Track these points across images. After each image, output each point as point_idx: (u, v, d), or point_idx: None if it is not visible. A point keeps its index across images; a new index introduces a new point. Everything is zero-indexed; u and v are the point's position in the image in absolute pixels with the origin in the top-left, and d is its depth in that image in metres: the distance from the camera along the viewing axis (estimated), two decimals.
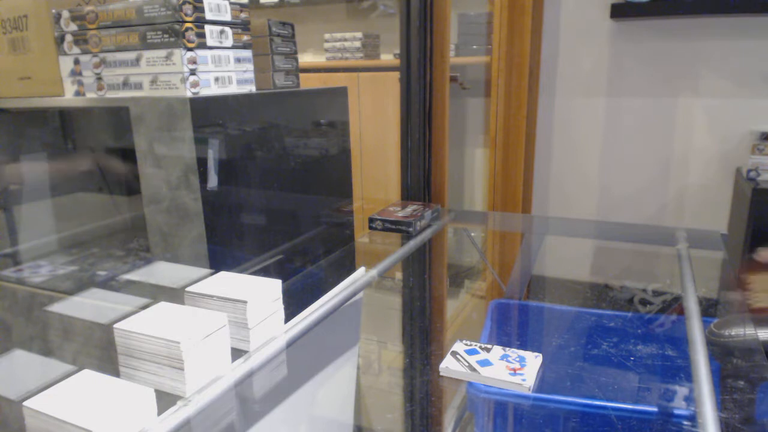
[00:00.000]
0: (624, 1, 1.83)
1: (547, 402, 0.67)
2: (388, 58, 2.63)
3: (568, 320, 0.95)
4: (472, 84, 2.31)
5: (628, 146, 2.02)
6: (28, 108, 1.17)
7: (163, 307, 0.69)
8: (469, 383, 0.71)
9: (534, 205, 2.21)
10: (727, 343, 0.74)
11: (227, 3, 0.95)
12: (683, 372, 0.71)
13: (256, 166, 1.02)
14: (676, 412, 0.67)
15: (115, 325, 0.64)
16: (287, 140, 1.10)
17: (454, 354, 0.75)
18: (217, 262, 0.92)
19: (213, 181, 0.90)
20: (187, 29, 0.88)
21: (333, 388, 0.79)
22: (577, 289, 1.17)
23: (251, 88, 1.03)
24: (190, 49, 0.89)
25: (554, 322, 0.97)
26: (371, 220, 1.34)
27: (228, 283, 0.75)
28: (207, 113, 0.89)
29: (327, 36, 2.61)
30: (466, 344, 0.78)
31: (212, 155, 0.89)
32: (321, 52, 2.66)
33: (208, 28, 0.91)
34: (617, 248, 1.42)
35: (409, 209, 1.39)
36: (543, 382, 0.70)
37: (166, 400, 0.61)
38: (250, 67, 1.02)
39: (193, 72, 0.89)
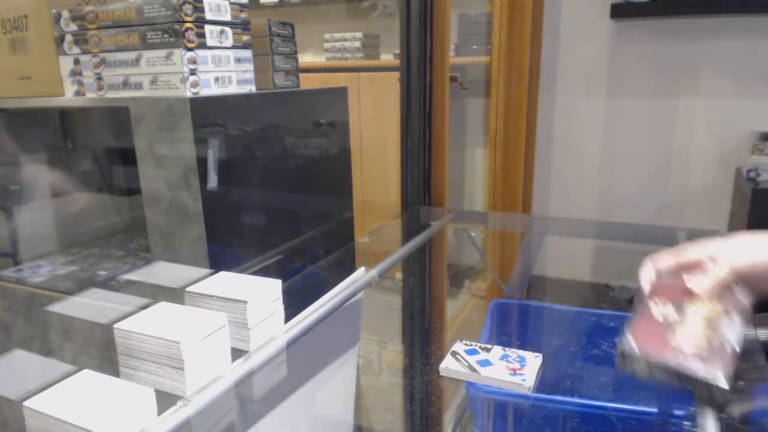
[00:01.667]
0: (624, 1, 1.83)
1: (547, 402, 0.67)
2: (388, 58, 2.62)
3: (568, 320, 0.95)
4: (472, 84, 2.31)
5: (628, 146, 2.02)
6: (28, 108, 1.17)
7: (163, 307, 0.69)
8: (469, 383, 0.71)
9: (534, 205, 2.21)
10: None
11: (227, 3, 0.95)
12: None
13: (256, 166, 1.02)
14: (676, 412, 0.67)
15: (115, 325, 0.64)
16: (287, 140, 1.10)
17: (454, 354, 0.75)
18: (217, 262, 0.92)
19: (213, 181, 0.90)
20: (187, 29, 0.88)
21: (333, 388, 0.79)
22: (577, 289, 1.17)
23: (251, 88, 1.03)
24: (190, 49, 0.89)
25: (554, 322, 0.97)
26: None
27: (228, 283, 0.75)
28: (207, 113, 0.89)
29: (327, 36, 2.60)
30: (466, 344, 0.78)
31: (212, 155, 0.90)
32: (321, 52, 2.66)
33: (208, 28, 0.91)
34: (617, 248, 1.41)
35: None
36: (543, 382, 0.70)
37: (166, 400, 0.61)
38: (250, 67, 1.02)
39: (193, 72, 0.89)
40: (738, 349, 0.52)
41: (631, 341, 0.54)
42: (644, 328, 0.56)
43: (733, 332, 0.55)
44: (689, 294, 0.60)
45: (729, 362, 0.50)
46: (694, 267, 0.63)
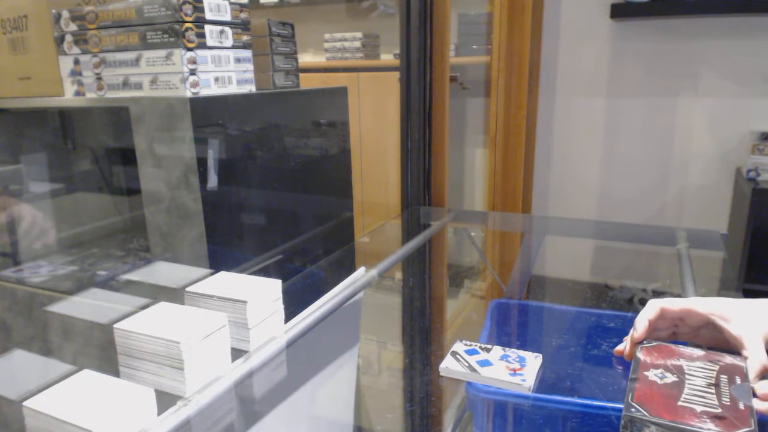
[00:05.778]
0: (624, 1, 1.83)
1: (547, 402, 0.68)
2: (388, 58, 2.62)
3: (568, 320, 0.95)
4: (472, 84, 2.31)
5: (628, 146, 2.02)
6: (28, 108, 1.17)
7: (163, 307, 0.69)
8: (469, 383, 0.71)
9: (534, 205, 2.21)
10: None
11: (227, 3, 0.95)
12: None
13: (256, 166, 1.02)
14: None
15: (115, 325, 0.64)
16: (287, 140, 1.10)
17: (454, 354, 0.75)
18: (217, 262, 0.92)
19: (213, 181, 0.90)
20: (187, 29, 0.88)
21: (333, 388, 0.79)
22: (577, 289, 1.17)
23: (251, 88, 1.03)
24: (190, 49, 0.89)
25: (554, 322, 0.97)
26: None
27: (228, 283, 0.75)
28: (207, 113, 0.89)
29: (327, 36, 2.61)
30: (466, 344, 0.77)
31: (212, 155, 0.90)
32: (321, 52, 2.66)
33: (208, 28, 0.91)
34: (617, 248, 1.41)
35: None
36: (543, 382, 0.70)
37: (166, 400, 0.61)
38: (250, 67, 1.02)
39: (193, 72, 0.89)
40: (752, 405, 0.52)
41: (638, 407, 0.52)
42: (647, 393, 0.54)
43: (741, 390, 0.54)
44: (680, 355, 0.61)
45: (748, 419, 0.50)
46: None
